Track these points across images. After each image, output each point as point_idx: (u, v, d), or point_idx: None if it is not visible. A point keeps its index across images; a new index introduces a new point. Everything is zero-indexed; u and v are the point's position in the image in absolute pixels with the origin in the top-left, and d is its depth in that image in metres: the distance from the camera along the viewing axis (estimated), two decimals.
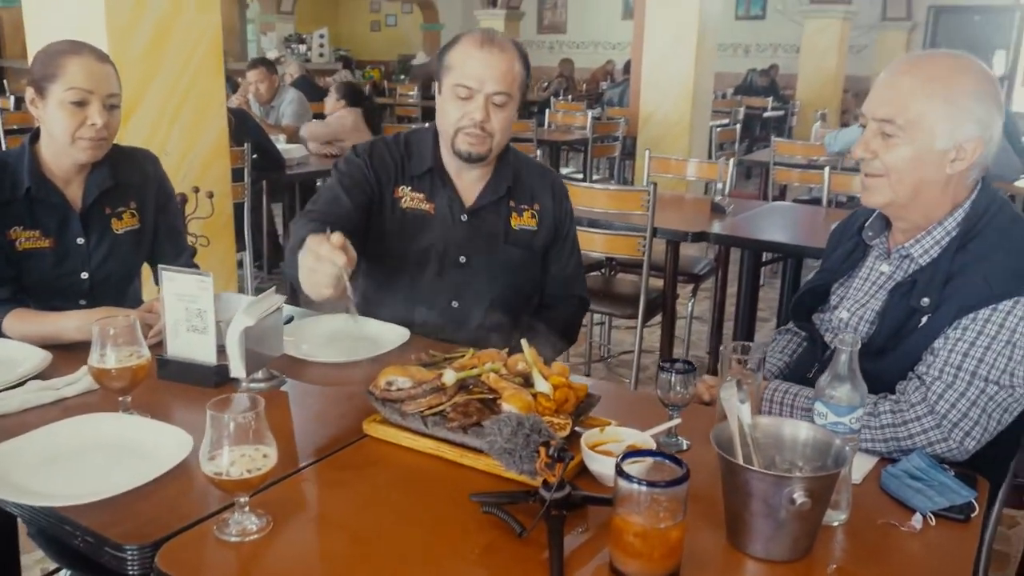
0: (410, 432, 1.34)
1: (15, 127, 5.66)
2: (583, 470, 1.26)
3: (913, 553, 1.12)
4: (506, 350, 1.47)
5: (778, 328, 1.86)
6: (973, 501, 1.21)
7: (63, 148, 1.81)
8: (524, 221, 1.95)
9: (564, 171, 7.70)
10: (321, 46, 15.10)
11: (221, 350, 1.51)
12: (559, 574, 1.02)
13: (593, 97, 11.10)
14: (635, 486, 0.99)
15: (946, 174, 1.42)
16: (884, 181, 1.46)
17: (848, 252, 1.64)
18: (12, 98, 7.00)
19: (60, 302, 1.79)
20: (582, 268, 2.12)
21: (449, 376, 1.35)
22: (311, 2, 16.26)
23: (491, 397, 1.34)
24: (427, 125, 1.99)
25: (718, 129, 6.17)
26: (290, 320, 1.84)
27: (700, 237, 3.33)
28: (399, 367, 1.41)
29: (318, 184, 5.72)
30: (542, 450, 1.11)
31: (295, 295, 1.88)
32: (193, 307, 1.54)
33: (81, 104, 1.77)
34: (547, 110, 7.93)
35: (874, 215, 1.59)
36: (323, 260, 1.35)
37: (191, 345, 1.56)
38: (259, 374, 1.55)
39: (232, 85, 6.42)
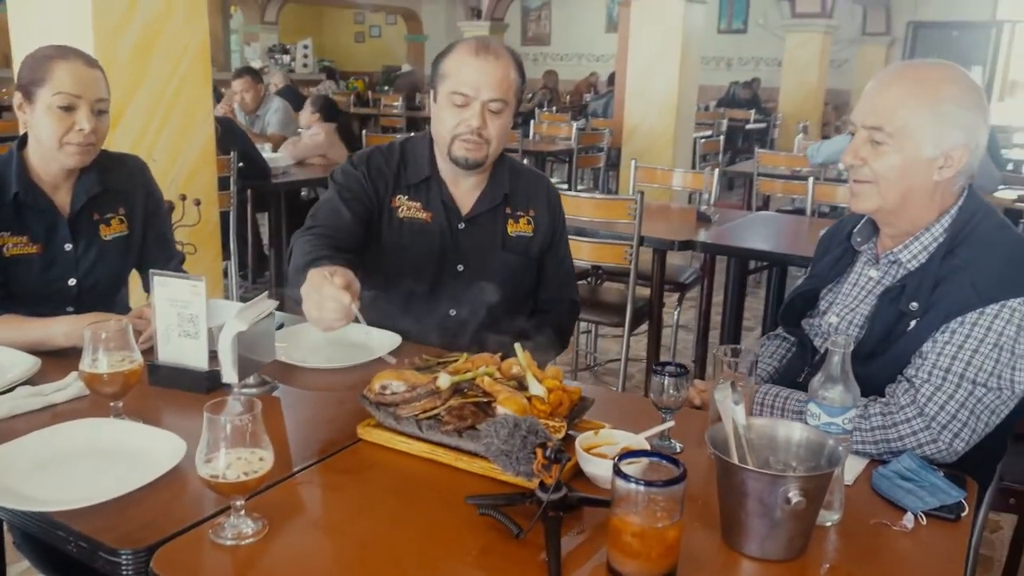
0: (404, 436, 1.34)
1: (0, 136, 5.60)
2: (578, 473, 1.27)
3: (905, 552, 1.14)
4: (499, 354, 1.48)
5: (766, 334, 1.87)
6: (963, 501, 1.22)
7: (51, 153, 1.80)
8: (520, 228, 1.96)
9: None
10: (305, 57, 15.10)
11: (212, 356, 1.50)
12: (557, 575, 1.03)
13: (577, 109, 11.16)
14: (633, 486, 0.99)
15: (933, 181, 1.45)
16: (873, 188, 1.48)
17: (837, 258, 1.66)
18: None
19: (47, 309, 1.77)
20: (574, 272, 2.13)
21: (444, 380, 1.35)
22: (295, 13, 16.27)
23: (486, 400, 1.34)
24: (420, 133, 1.99)
25: (702, 140, 6.22)
26: (281, 326, 1.83)
27: (686, 246, 3.35)
28: (393, 371, 1.41)
29: (303, 193, 5.72)
30: (539, 451, 1.11)
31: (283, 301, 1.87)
32: (185, 312, 1.53)
33: (69, 109, 1.76)
34: (531, 121, 7.96)
35: (862, 221, 1.61)
36: (327, 299, 1.36)
37: (182, 350, 1.55)
38: (251, 380, 1.55)
39: (216, 95, 6.40)
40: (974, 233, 1.45)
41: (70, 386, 1.49)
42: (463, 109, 1.79)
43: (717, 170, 4.15)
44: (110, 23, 3.02)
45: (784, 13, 11.39)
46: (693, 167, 6.24)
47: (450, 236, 1.90)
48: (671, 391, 1.37)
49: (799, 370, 1.65)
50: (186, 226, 3.08)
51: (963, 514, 1.20)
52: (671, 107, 6.73)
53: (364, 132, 6.43)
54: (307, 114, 5.35)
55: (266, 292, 1.61)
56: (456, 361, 1.50)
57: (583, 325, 4.00)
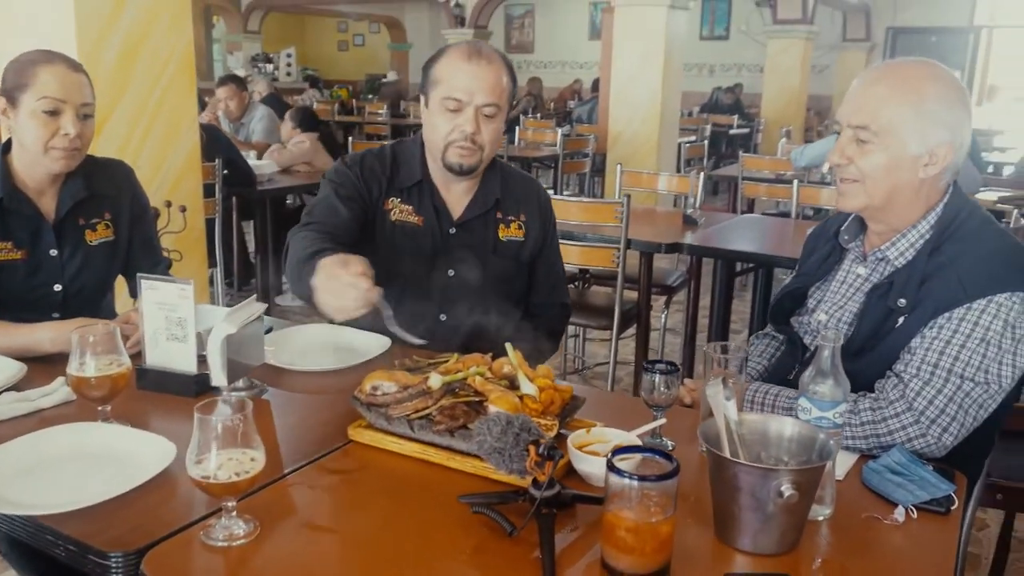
0: (396, 437, 1.33)
1: None
2: (569, 472, 1.27)
3: (897, 545, 1.14)
4: (491, 354, 1.47)
5: (755, 333, 1.88)
6: (952, 494, 1.23)
7: (36, 158, 1.79)
8: (511, 232, 1.95)
9: None
10: (288, 66, 15.09)
11: (200, 360, 1.49)
12: (551, 572, 1.02)
13: (561, 115, 11.20)
14: (626, 480, 0.99)
15: (919, 178, 1.46)
16: (859, 186, 1.49)
17: (824, 256, 1.67)
18: None
19: (33, 315, 1.75)
20: (564, 275, 2.13)
21: (435, 380, 1.35)
22: (278, 22, 16.24)
23: (477, 400, 1.34)
24: (410, 137, 1.98)
25: (687, 145, 6.26)
26: (270, 330, 1.82)
27: (673, 248, 3.36)
28: (384, 372, 1.41)
29: (288, 201, 5.70)
30: (532, 448, 1.11)
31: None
32: (173, 316, 1.52)
33: (54, 113, 1.75)
34: (516, 127, 7.98)
35: (850, 219, 1.63)
36: (346, 286, 1.35)
37: (170, 354, 1.54)
38: (240, 383, 1.54)
39: (200, 103, 6.37)
40: (960, 229, 1.46)
41: (57, 391, 1.47)
42: (456, 115, 1.78)
43: (702, 173, 4.17)
44: (94, 30, 3.00)
45: (766, 19, 11.48)
46: (678, 172, 6.27)
47: (441, 241, 1.89)
48: (662, 389, 1.37)
49: (789, 368, 1.66)
50: (172, 233, 3.07)
51: (953, 507, 1.21)
52: (655, 113, 6.76)
53: (350, 139, 6.42)
54: (287, 128, 5.35)
55: (254, 295, 1.61)
56: (447, 361, 1.49)
57: (571, 329, 4.00)
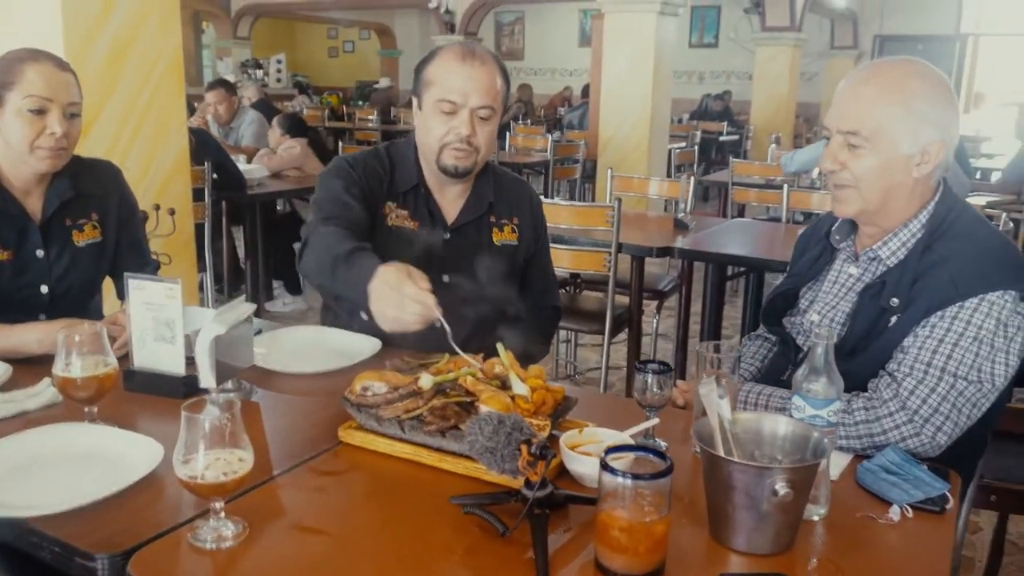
0: (386, 438, 1.32)
1: None
2: (562, 473, 1.26)
3: (892, 544, 1.14)
4: (482, 354, 1.46)
5: (748, 334, 1.88)
6: (947, 493, 1.22)
7: (21, 157, 1.77)
8: (505, 236, 1.94)
9: None
10: (278, 72, 15.05)
11: (188, 362, 1.47)
12: (544, 572, 1.01)
13: (551, 122, 11.21)
14: (620, 479, 0.98)
15: (913, 178, 1.46)
16: (854, 192, 1.49)
17: (816, 256, 1.66)
18: None
19: (19, 316, 1.73)
20: (555, 278, 2.11)
21: (426, 380, 1.33)
22: (268, 28, 16.20)
23: (469, 400, 1.33)
24: (402, 139, 1.96)
25: (677, 151, 6.27)
26: (259, 332, 1.80)
27: (665, 252, 3.36)
28: (375, 372, 1.39)
29: (278, 207, 5.68)
30: (524, 448, 1.10)
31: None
32: (161, 316, 1.50)
33: (40, 112, 1.73)
34: (507, 134, 7.98)
35: (840, 219, 1.62)
36: (410, 301, 1.33)
37: (158, 355, 1.52)
38: (229, 384, 1.52)
39: (189, 109, 6.35)
40: (952, 228, 1.46)
41: (43, 392, 1.45)
42: (451, 117, 1.75)
43: (693, 178, 4.18)
44: (81, 30, 2.98)
45: (754, 27, 11.53)
46: (668, 177, 6.28)
47: (435, 245, 1.86)
48: (655, 389, 1.37)
49: (782, 369, 1.65)
50: (160, 236, 3.04)
51: (948, 506, 1.21)
52: (645, 119, 6.78)
53: (340, 145, 6.41)
54: (275, 135, 5.32)
55: (243, 296, 1.59)
56: (438, 362, 1.48)
57: (563, 334, 3.99)
